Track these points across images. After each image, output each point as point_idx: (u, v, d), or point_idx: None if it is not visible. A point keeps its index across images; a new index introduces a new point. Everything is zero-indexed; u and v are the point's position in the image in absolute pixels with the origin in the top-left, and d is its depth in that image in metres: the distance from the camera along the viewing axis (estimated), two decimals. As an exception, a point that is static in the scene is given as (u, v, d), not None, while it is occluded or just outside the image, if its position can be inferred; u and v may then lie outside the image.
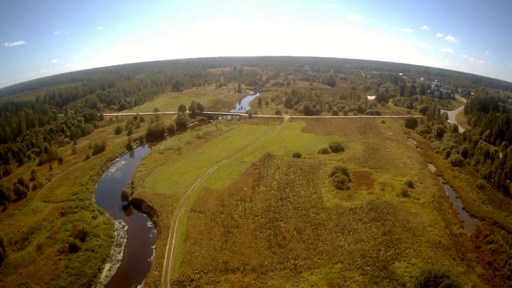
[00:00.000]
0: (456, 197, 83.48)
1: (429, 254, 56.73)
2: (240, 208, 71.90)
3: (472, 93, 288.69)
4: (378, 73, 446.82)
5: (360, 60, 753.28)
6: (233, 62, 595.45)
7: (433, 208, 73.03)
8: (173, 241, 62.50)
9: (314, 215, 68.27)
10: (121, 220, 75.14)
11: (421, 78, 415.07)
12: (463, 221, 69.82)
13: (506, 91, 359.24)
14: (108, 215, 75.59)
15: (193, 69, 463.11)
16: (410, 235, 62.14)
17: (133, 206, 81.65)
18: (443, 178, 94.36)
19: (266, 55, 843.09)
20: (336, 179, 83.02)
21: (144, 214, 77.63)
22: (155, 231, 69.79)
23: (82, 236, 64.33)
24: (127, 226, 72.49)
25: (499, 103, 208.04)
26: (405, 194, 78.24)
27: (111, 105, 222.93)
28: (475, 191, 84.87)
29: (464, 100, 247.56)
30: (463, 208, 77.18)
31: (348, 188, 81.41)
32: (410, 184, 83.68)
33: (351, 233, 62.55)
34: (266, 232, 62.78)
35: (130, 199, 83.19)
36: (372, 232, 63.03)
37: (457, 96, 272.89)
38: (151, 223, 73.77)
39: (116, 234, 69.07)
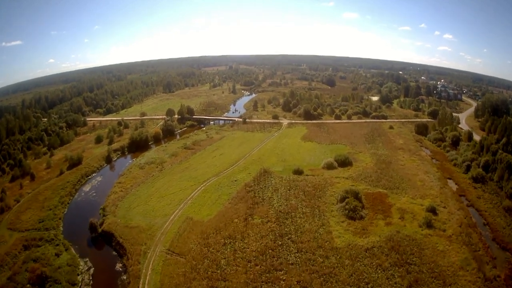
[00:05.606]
0: (484, 224, 71.55)
1: (463, 310, 44.73)
2: (228, 250, 57.85)
3: (478, 94, 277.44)
4: (377, 71, 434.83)
5: (358, 58, 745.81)
6: (229, 61, 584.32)
7: (462, 243, 60.92)
8: (144, 297, 49.41)
9: (322, 260, 54.59)
10: (87, 259, 62.25)
11: (422, 77, 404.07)
12: (495, 258, 58.80)
13: (509, 91, 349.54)
14: (73, 252, 63.71)
15: (187, 68, 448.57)
16: (440, 285, 50.25)
17: (103, 240, 68.27)
18: (466, 199, 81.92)
19: (263, 53, 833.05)
20: (347, 207, 69.31)
21: (115, 252, 64.24)
22: (125, 277, 56.39)
23: (41, 282, 54.50)
24: (93, 269, 59.71)
25: (510, 106, 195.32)
26: (428, 225, 65.41)
27: (97, 109, 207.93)
28: (502, 215, 73.36)
29: (471, 102, 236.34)
30: (493, 239, 65.54)
31: (361, 217, 67.97)
32: (433, 210, 71.00)
33: (369, 286, 49.32)
34: (261, 287, 49.22)
35: (100, 231, 69.70)
36: (396, 283, 49.90)
37: (464, 97, 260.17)
38: (121, 265, 60.23)
39: (80, 280, 57.05)
